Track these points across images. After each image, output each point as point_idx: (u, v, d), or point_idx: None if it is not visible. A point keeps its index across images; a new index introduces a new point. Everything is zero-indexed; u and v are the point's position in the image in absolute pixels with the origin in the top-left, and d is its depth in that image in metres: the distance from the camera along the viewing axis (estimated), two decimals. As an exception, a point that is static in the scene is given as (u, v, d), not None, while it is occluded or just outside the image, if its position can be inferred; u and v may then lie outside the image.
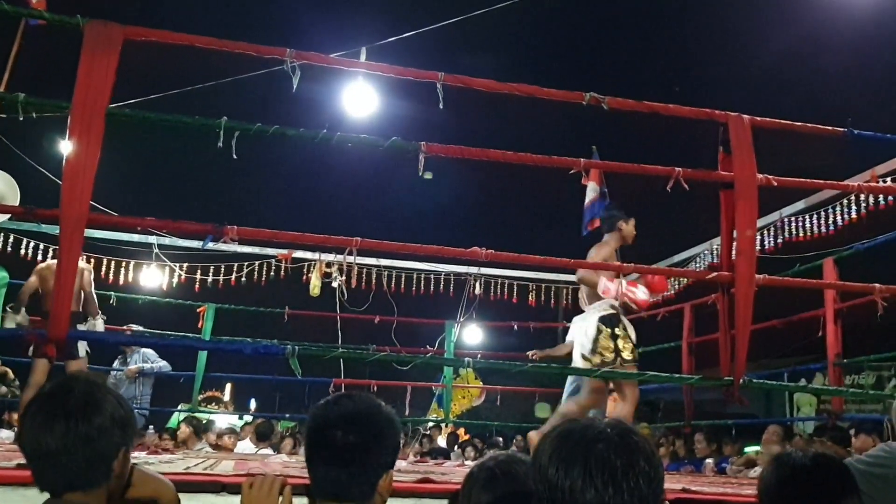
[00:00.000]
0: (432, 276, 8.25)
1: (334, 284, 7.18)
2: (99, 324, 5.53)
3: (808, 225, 6.28)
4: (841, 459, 1.81)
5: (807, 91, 9.12)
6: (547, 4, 8.70)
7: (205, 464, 3.37)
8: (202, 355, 7.20)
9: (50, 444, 1.39)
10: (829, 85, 9.07)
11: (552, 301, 8.65)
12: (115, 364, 7.34)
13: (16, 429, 5.77)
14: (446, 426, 9.09)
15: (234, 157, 3.09)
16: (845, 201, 5.94)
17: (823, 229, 6.13)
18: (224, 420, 9.37)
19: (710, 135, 3.75)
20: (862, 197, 5.75)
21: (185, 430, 6.65)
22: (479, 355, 8.61)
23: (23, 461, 1.51)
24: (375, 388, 7.37)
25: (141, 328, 7.28)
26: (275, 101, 6.85)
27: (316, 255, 7.51)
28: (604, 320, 4.25)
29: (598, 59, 10.74)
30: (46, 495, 1.44)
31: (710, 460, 6.12)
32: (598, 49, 10.77)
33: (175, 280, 7.97)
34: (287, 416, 11.77)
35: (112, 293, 7.06)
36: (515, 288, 8.49)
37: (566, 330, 6.73)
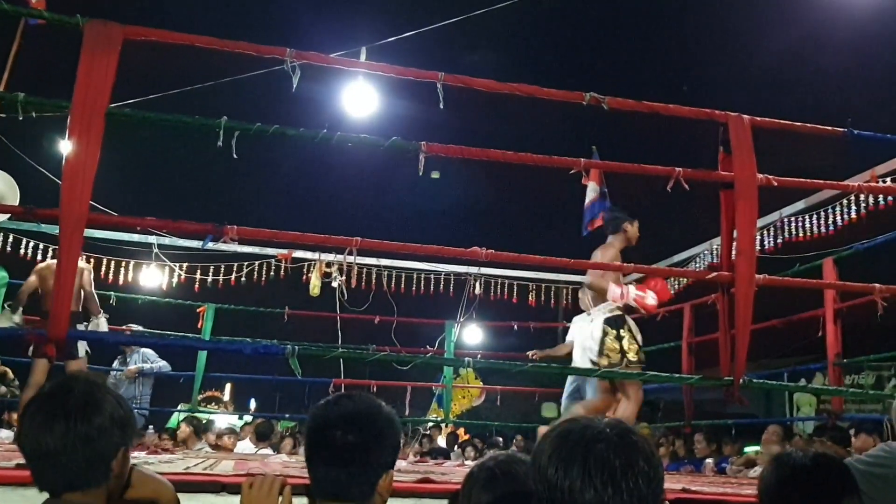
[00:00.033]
0: (432, 276, 8.25)
1: (334, 284, 7.17)
2: (102, 322, 5.52)
3: (808, 225, 6.28)
4: (841, 459, 1.81)
5: (807, 91, 9.12)
6: (547, 4, 8.70)
7: (204, 464, 3.37)
8: (202, 355, 7.20)
9: (49, 444, 1.39)
10: (830, 85, 9.07)
11: (552, 301, 8.66)
12: (115, 364, 7.34)
13: (15, 429, 5.77)
14: (446, 426, 9.09)
15: (235, 156, 3.09)
16: (845, 201, 5.94)
17: (823, 229, 6.13)
18: (224, 420, 9.37)
19: (711, 135, 3.75)
20: (862, 197, 5.75)
21: (185, 430, 6.64)
22: (479, 355, 8.61)
23: (22, 461, 1.51)
24: (375, 388, 7.37)
25: (141, 328, 7.28)
26: (275, 101, 6.85)
27: (316, 255, 7.51)
28: (609, 322, 4.27)
29: (599, 59, 10.73)
30: (46, 495, 1.44)
31: (710, 460, 6.12)
32: (598, 49, 10.77)
33: (175, 280, 7.97)
34: (287, 416, 11.77)
35: (112, 293, 7.06)
36: (515, 288, 8.49)
37: (566, 330, 6.73)
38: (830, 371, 5.49)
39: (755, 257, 3.54)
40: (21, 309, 5.24)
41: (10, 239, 7.31)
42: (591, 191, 6.93)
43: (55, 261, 3.11)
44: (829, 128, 3.86)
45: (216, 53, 3.34)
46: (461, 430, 10.42)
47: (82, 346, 5.27)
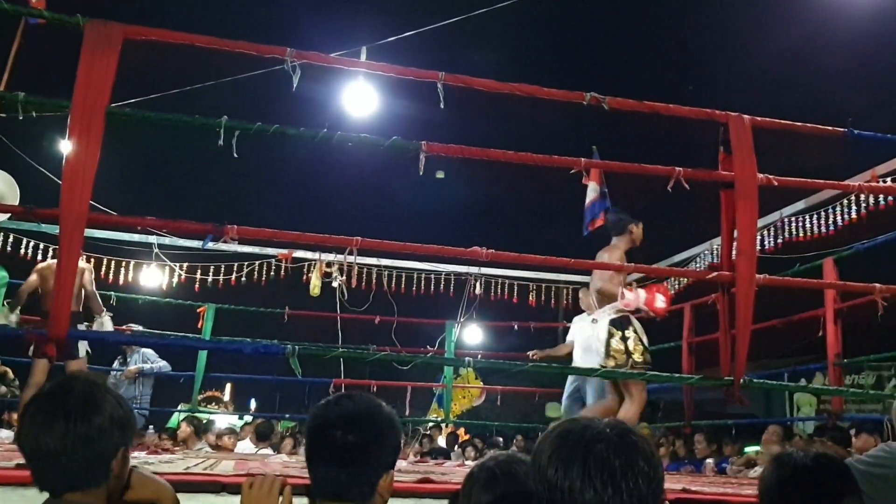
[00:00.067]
0: (432, 276, 8.25)
1: (334, 284, 7.17)
2: (106, 321, 5.52)
3: (808, 225, 6.28)
4: (842, 460, 1.81)
5: (807, 91, 9.12)
6: (546, 4, 8.70)
7: (205, 464, 3.37)
8: (202, 355, 7.20)
9: (49, 444, 1.39)
10: (830, 85, 9.07)
11: (552, 301, 8.66)
12: (115, 364, 7.35)
13: (15, 428, 5.77)
14: (446, 426, 9.09)
15: (235, 156, 3.09)
16: (845, 201, 5.94)
17: (823, 229, 6.13)
18: (224, 420, 9.37)
19: (711, 135, 3.75)
20: (862, 197, 5.75)
21: (185, 430, 6.64)
22: (479, 355, 8.61)
23: (22, 461, 1.50)
24: (375, 388, 7.37)
25: (141, 328, 7.28)
26: (275, 101, 6.85)
27: (316, 255, 7.51)
28: (614, 324, 4.27)
29: (599, 59, 10.73)
30: (46, 495, 1.44)
31: (710, 460, 6.12)
32: (598, 49, 10.76)
33: (175, 280, 7.97)
34: (287, 416, 11.77)
35: (112, 293, 7.06)
36: (516, 288, 8.50)
37: (566, 330, 6.74)
38: (831, 371, 5.49)
39: (755, 257, 3.54)
40: (19, 308, 5.24)
41: (11, 239, 7.31)
42: (592, 191, 6.93)
43: (56, 260, 3.11)
44: (830, 128, 3.86)
45: (216, 53, 3.34)
46: (461, 430, 10.42)
47: (83, 347, 5.27)
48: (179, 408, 8.41)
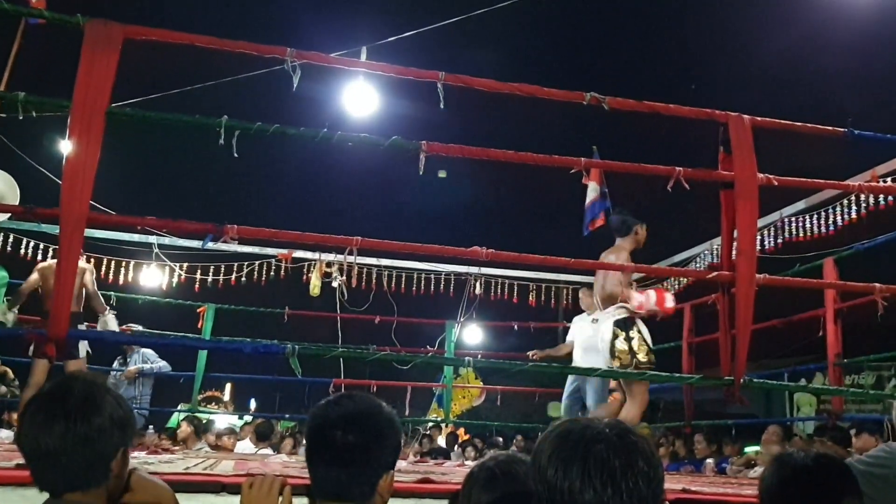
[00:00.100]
0: (432, 276, 8.25)
1: (334, 284, 7.17)
2: (110, 319, 5.52)
3: (808, 225, 6.28)
4: (842, 460, 1.81)
5: (807, 91, 9.12)
6: (546, 4, 8.70)
7: (205, 464, 3.37)
8: (202, 355, 7.20)
9: (49, 445, 1.39)
10: (830, 85, 9.07)
11: (552, 301, 8.66)
12: (115, 364, 7.34)
13: (15, 428, 5.76)
14: (446, 426, 9.09)
15: (235, 156, 3.09)
16: (846, 201, 5.94)
17: (824, 229, 6.13)
18: (224, 420, 9.37)
19: (711, 135, 3.75)
20: (862, 197, 5.75)
21: (185, 429, 6.64)
22: (479, 355, 8.61)
23: (22, 461, 1.50)
24: (375, 388, 7.36)
25: (141, 328, 7.28)
26: (275, 101, 6.85)
27: (316, 255, 7.51)
28: (618, 324, 4.28)
29: (599, 58, 10.74)
30: (46, 495, 1.43)
31: (710, 460, 6.12)
32: (598, 49, 10.77)
33: (175, 280, 7.98)
34: (287, 416, 11.77)
35: (112, 293, 7.06)
36: (515, 288, 8.50)
37: (566, 330, 6.73)
38: (831, 371, 5.49)
39: (755, 257, 3.54)
40: (17, 308, 5.23)
41: (11, 239, 7.31)
42: (592, 191, 6.94)
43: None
44: (830, 128, 3.85)
45: (217, 53, 3.34)
46: (461, 430, 10.42)
47: (83, 347, 5.27)
48: (179, 408, 8.41)
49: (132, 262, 7.95)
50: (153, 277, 8.00)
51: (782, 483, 1.60)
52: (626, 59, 10.61)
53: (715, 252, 7.00)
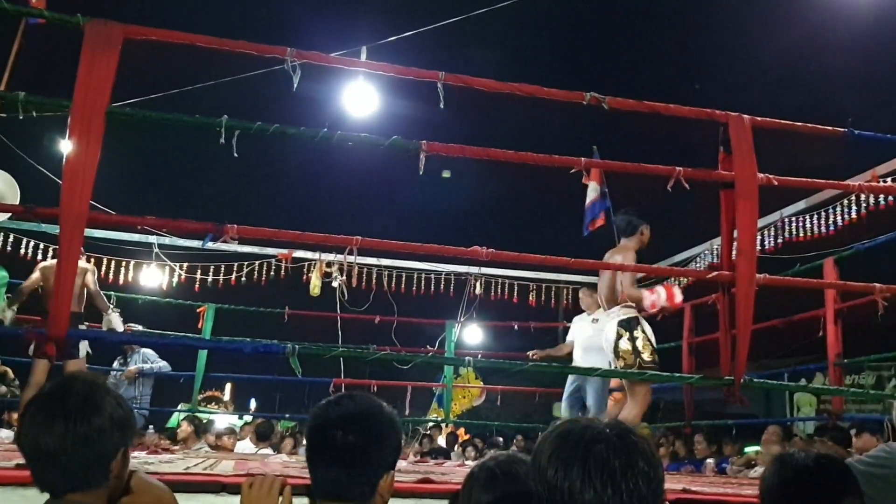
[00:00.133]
0: (433, 276, 8.25)
1: (334, 284, 7.17)
2: (114, 318, 5.52)
3: (808, 225, 6.28)
4: (842, 460, 1.81)
5: (807, 91, 9.12)
6: (546, 5, 8.70)
7: (205, 464, 3.37)
8: (202, 355, 7.20)
9: (49, 445, 1.38)
10: (830, 85, 9.07)
11: (552, 301, 8.66)
12: (116, 364, 7.34)
13: (15, 428, 5.76)
14: (446, 426, 9.09)
15: (235, 155, 3.09)
16: (846, 201, 5.94)
17: (824, 229, 6.13)
18: (224, 420, 9.36)
19: (711, 135, 3.75)
20: (862, 197, 5.75)
21: (185, 429, 6.63)
22: (479, 355, 8.61)
23: (22, 461, 1.50)
24: (375, 388, 7.36)
25: (141, 328, 7.28)
26: (275, 101, 6.85)
27: (316, 255, 7.51)
28: (622, 324, 4.28)
29: (599, 58, 10.74)
30: (46, 495, 1.43)
31: (710, 460, 6.12)
32: (598, 49, 10.77)
33: (175, 280, 7.98)
34: (287, 415, 11.77)
35: (112, 293, 7.06)
36: (516, 288, 8.50)
37: (566, 330, 6.73)
38: (831, 371, 5.49)
39: (756, 257, 3.53)
40: (16, 306, 5.23)
41: (11, 238, 7.31)
42: (592, 191, 6.94)
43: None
44: (830, 128, 3.85)
45: (217, 53, 3.34)
46: (461, 430, 10.41)
47: (83, 347, 5.27)
48: (179, 408, 8.41)
49: (132, 262, 7.95)
50: (153, 277, 8.00)
51: (783, 483, 1.60)
52: (626, 59, 10.62)
53: (715, 252, 7.01)
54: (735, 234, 3.60)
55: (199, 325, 7.31)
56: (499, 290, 8.44)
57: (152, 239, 7.53)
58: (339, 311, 7.32)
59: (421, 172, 3.25)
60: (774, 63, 9.38)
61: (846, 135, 3.84)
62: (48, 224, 5.97)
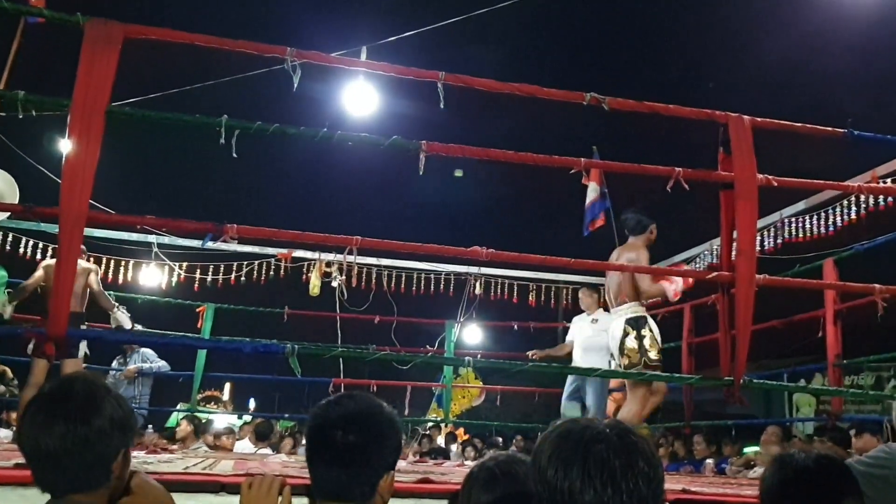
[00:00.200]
0: (432, 276, 8.25)
1: (334, 284, 7.17)
2: (121, 315, 5.52)
3: (808, 225, 6.28)
4: (842, 460, 1.81)
5: (807, 92, 9.13)
6: (546, 4, 8.70)
7: (204, 463, 3.37)
8: (201, 355, 7.19)
9: (49, 446, 1.38)
10: (830, 86, 9.08)
11: (552, 301, 8.66)
12: (115, 364, 7.34)
13: (14, 428, 5.76)
14: (446, 426, 9.10)
15: (235, 155, 3.08)
16: (845, 202, 5.94)
17: (823, 230, 6.13)
18: (223, 420, 9.36)
19: (711, 135, 3.75)
20: (862, 198, 5.75)
21: (185, 428, 6.63)
22: (479, 355, 8.60)
23: (21, 460, 1.50)
24: (375, 388, 7.36)
25: (140, 327, 7.27)
26: (275, 101, 6.84)
27: (316, 255, 7.50)
28: (630, 322, 4.29)
29: (599, 58, 10.74)
30: (47, 496, 1.43)
31: (709, 461, 6.12)
32: (598, 49, 10.77)
33: (174, 279, 7.97)
34: (286, 415, 11.78)
35: (111, 292, 7.05)
36: (515, 288, 8.49)
37: (566, 330, 6.73)
38: (830, 372, 5.49)
39: (755, 257, 3.54)
40: (14, 304, 5.22)
41: (10, 238, 7.30)
42: (592, 191, 6.94)
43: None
44: (830, 129, 3.86)
45: (217, 52, 3.34)
46: (460, 430, 10.42)
47: (82, 347, 5.26)
48: (178, 407, 8.40)
49: (132, 262, 7.94)
50: (153, 277, 8.00)
51: (783, 484, 1.60)
52: (627, 60, 10.62)
53: (715, 252, 7.00)
54: (735, 234, 3.60)
55: (199, 325, 7.31)
56: (498, 290, 8.44)
57: (152, 238, 7.52)
58: (338, 310, 7.32)
59: (421, 172, 3.24)
60: (774, 64, 9.38)
61: (846, 136, 3.84)
62: (48, 223, 5.97)
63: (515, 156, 3.49)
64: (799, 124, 3.77)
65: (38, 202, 3.22)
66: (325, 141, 3.32)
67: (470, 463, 5.08)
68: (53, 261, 5.54)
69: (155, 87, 6.76)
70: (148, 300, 7.54)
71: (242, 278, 7.98)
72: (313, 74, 3.45)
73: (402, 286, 8.18)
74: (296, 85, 3.21)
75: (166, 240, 7.50)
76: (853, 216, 5.85)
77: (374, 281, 7.96)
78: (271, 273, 8.00)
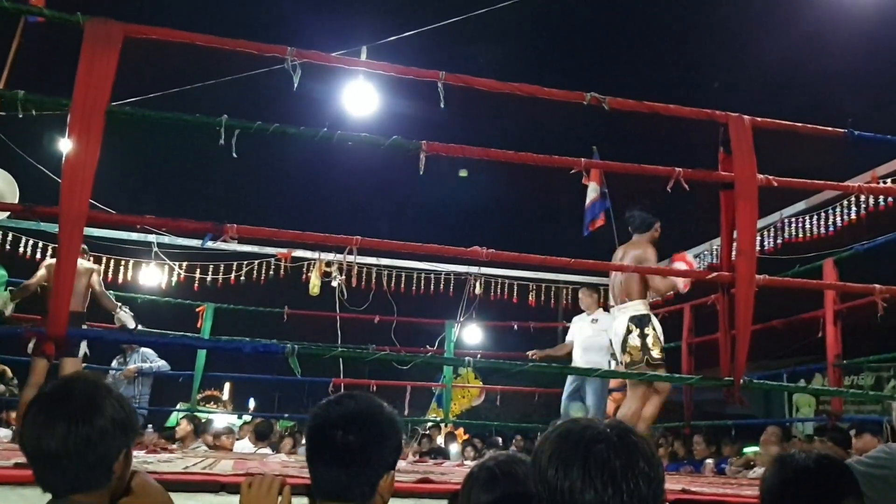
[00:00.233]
0: (432, 276, 8.24)
1: (334, 284, 7.17)
2: (124, 315, 5.52)
3: (808, 226, 6.28)
4: (843, 461, 1.80)
5: (807, 92, 9.13)
6: (546, 4, 8.70)
7: (203, 463, 3.37)
8: (201, 354, 7.19)
9: (51, 446, 1.38)
10: (830, 86, 9.08)
11: (552, 301, 8.65)
12: (114, 363, 7.33)
13: (13, 427, 5.76)
14: (446, 426, 9.10)
15: (235, 155, 3.08)
16: (845, 202, 5.94)
17: (823, 230, 6.13)
18: (223, 419, 9.35)
19: (711, 135, 3.75)
20: (862, 198, 5.75)
21: (185, 427, 6.63)
22: (478, 355, 8.60)
23: (20, 460, 1.50)
24: (375, 388, 7.36)
25: (140, 327, 7.27)
26: (276, 100, 6.85)
27: (316, 255, 7.50)
28: (633, 320, 4.29)
29: (599, 58, 10.74)
30: (48, 496, 1.43)
31: (709, 461, 6.12)
32: (598, 49, 10.77)
33: (174, 279, 7.97)
34: (286, 415, 11.77)
35: (111, 292, 7.05)
36: (515, 288, 8.49)
37: (566, 330, 6.73)
38: (830, 372, 5.49)
39: (755, 258, 3.53)
40: (14, 303, 5.22)
41: (10, 237, 7.30)
42: (592, 191, 6.95)
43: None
44: (830, 129, 3.86)
45: (217, 52, 3.34)
46: (460, 430, 10.42)
47: (83, 347, 5.26)
48: (178, 407, 8.40)
49: (131, 261, 7.94)
50: (152, 276, 8.00)
51: (783, 484, 1.60)
52: (626, 59, 10.62)
53: (715, 252, 7.00)
54: (735, 234, 3.60)
55: (199, 325, 7.31)
56: (498, 290, 8.44)
57: (152, 238, 7.52)
58: (338, 310, 7.32)
59: (421, 172, 3.24)
60: (774, 64, 9.39)
61: (846, 136, 3.84)
62: (48, 223, 5.97)
63: (515, 156, 3.49)
64: (799, 124, 3.77)
65: (38, 202, 3.22)
66: (325, 141, 3.32)
67: (470, 463, 5.08)
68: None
69: (155, 86, 6.76)
70: (148, 300, 7.54)
71: (242, 278, 7.97)
72: (313, 74, 3.45)
73: (402, 286, 8.17)
74: (296, 85, 3.21)
75: (166, 239, 7.49)
76: (853, 216, 5.85)
77: (374, 281, 7.96)
78: (271, 273, 7.99)
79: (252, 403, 16.42)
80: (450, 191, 11.13)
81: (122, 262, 7.92)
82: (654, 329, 4.30)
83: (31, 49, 4.45)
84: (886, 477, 2.06)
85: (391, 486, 1.50)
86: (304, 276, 7.78)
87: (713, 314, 4.00)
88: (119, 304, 5.63)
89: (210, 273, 7.96)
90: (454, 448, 8.65)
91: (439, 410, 8.81)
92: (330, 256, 7.29)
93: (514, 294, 8.48)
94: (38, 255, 7.20)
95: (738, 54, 9.94)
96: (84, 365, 5.57)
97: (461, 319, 8.09)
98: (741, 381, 3.47)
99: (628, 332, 4.29)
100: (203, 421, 7.41)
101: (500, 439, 9.37)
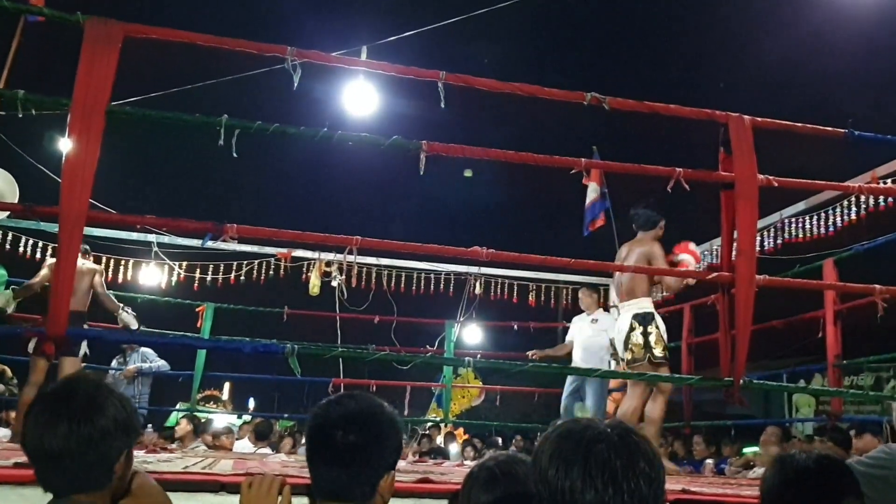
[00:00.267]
0: (432, 276, 8.24)
1: (334, 284, 7.17)
2: (126, 316, 5.52)
3: (808, 226, 6.28)
4: (843, 461, 1.80)
5: (808, 92, 9.13)
6: (546, 4, 8.70)
7: (203, 463, 3.36)
8: (201, 354, 7.19)
9: (52, 446, 1.38)
10: (830, 86, 9.08)
11: (552, 301, 8.65)
12: (114, 363, 7.34)
13: (13, 427, 5.76)
14: (445, 426, 9.10)
15: (235, 155, 3.08)
16: (846, 202, 5.94)
17: (823, 230, 6.13)
18: (222, 419, 9.35)
19: (711, 135, 3.75)
20: (862, 198, 5.75)
21: (184, 427, 6.63)
22: (478, 355, 8.60)
23: (20, 460, 1.50)
24: (375, 388, 7.36)
25: (142, 327, 7.27)
26: (276, 100, 6.85)
27: (316, 255, 7.50)
28: (637, 318, 4.29)
29: (599, 58, 10.74)
30: (48, 496, 1.43)
31: (709, 461, 6.12)
32: (598, 49, 10.77)
33: (174, 279, 7.97)
34: (286, 415, 11.77)
35: (111, 292, 7.04)
36: (515, 288, 8.49)
37: (566, 330, 6.74)
38: (830, 372, 5.49)
39: (755, 258, 3.54)
40: (15, 302, 5.21)
41: (10, 237, 7.30)
42: (592, 191, 6.95)
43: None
44: (830, 129, 3.86)
45: (217, 52, 3.34)
46: (460, 430, 10.42)
47: (83, 347, 5.26)
48: (178, 406, 8.40)
49: (131, 261, 7.94)
50: (152, 276, 8.00)
51: (784, 484, 1.60)
52: (626, 59, 10.63)
53: (715, 253, 7.00)
54: (735, 234, 3.60)
55: (198, 325, 7.31)
56: (498, 290, 8.44)
57: (151, 238, 7.52)
58: (338, 310, 7.32)
59: (421, 172, 3.24)
60: (775, 64, 9.39)
61: (846, 136, 3.84)
62: (48, 222, 5.97)
63: (516, 155, 3.49)
64: (799, 124, 3.77)
65: (38, 201, 3.22)
66: (325, 141, 3.32)
67: (469, 463, 5.08)
68: (59, 261, 5.57)
69: (155, 86, 6.76)
70: (147, 299, 7.54)
71: (242, 278, 7.97)
72: (313, 74, 3.45)
73: (402, 286, 8.17)
74: (296, 84, 3.21)
75: (166, 239, 7.49)
76: (853, 216, 5.85)
77: (373, 281, 7.96)
78: (271, 273, 7.99)
79: (252, 403, 16.41)
80: (450, 191, 11.13)
81: (122, 262, 7.92)
82: (657, 327, 4.30)
83: (31, 49, 4.45)
84: (886, 477, 2.06)
85: (391, 486, 1.50)
86: (304, 276, 7.78)
87: (713, 314, 4.00)
88: (121, 304, 5.64)
89: (210, 273, 7.96)
90: (454, 448, 8.65)
91: (439, 410, 8.81)
92: (330, 256, 7.29)
93: (514, 294, 8.48)
94: (38, 255, 7.21)
95: (738, 54, 9.94)
96: (84, 365, 5.57)
97: (461, 319, 8.10)
98: (741, 381, 3.47)
99: (631, 329, 4.29)
100: (203, 421, 7.41)
101: (499, 439, 9.37)
